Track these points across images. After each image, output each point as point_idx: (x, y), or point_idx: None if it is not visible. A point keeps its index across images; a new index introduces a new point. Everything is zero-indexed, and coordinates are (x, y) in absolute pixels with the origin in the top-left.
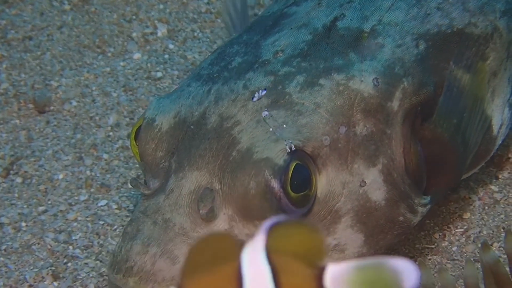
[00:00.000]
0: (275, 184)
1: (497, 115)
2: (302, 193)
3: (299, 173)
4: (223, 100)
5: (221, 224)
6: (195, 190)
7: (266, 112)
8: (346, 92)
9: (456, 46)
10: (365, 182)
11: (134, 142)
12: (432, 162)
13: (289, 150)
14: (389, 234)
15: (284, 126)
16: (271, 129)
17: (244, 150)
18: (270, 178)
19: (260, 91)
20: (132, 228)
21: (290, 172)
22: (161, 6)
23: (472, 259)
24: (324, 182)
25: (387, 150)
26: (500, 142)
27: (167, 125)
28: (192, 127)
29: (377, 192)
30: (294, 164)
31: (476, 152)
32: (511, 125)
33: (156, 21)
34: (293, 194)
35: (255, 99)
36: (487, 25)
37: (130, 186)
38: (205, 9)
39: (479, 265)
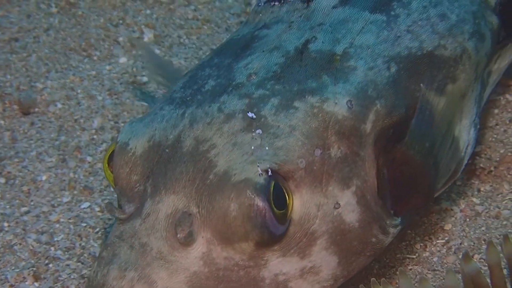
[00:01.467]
0: (259, 202)
1: (464, 136)
2: (282, 211)
3: (278, 193)
4: (198, 123)
5: (199, 247)
6: (172, 213)
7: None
8: (320, 115)
9: (426, 68)
10: (339, 204)
11: (107, 167)
12: (403, 184)
13: (266, 172)
14: (361, 256)
15: (261, 148)
16: (247, 152)
17: (222, 173)
18: (253, 196)
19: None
20: (108, 253)
21: (271, 190)
22: (148, 12)
23: (453, 269)
24: (299, 204)
25: (360, 172)
26: (466, 162)
27: (141, 149)
28: (167, 150)
29: (351, 214)
30: (273, 183)
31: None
32: (475, 145)
33: (143, 26)
34: (277, 211)
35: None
36: (456, 47)
37: (105, 210)
38: (192, 15)
39: (459, 275)
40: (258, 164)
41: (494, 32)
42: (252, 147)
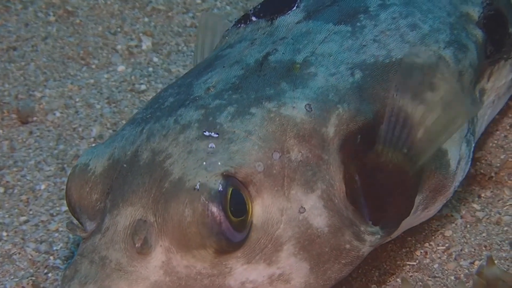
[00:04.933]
0: (214, 208)
1: (454, 150)
2: (240, 218)
3: (236, 199)
4: (154, 136)
5: (158, 256)
6: (129, 225)
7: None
8: (278, 119)
9: (397, 76)
10: (304, 208)
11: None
12: (377, 192)
13: (222, 177)
14: (336, 263)
15: (215, 154)
16: (202, 158)
17: (176, 180)
18: (207, 202)
19: (210, 133)
20: (70, 271)
21: (228, 197)
22: (146, 19)
23: (453, 276)
24: (260, 209)
25: (325, 176)
26: (460, 178)
27: (101, 168)
28: (125, 165)
29: (318, 218)
30: (230, 189)
31: (433, 187)
32: (470, 162)
33: (141, 34)
34: (234, 218)
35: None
36: (430, 55)
37: (67, 229)
38: (190, 23)
39: (467, 284)
40: (212, 168)
41: (479, 45)
42: (207, 153)
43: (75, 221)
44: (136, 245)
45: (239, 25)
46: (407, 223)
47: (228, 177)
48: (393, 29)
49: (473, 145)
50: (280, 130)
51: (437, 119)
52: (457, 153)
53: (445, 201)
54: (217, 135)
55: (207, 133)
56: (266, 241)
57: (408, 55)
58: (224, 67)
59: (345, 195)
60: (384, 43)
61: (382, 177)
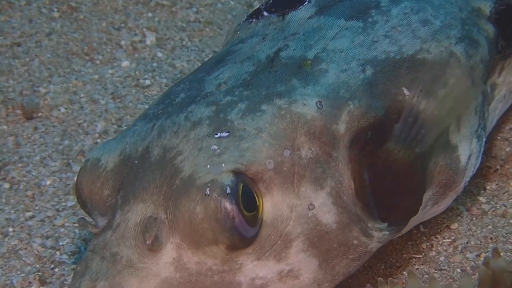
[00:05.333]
0: (227, 204)
1: (464, 146)
2: (252, 214)
3: (247, 195)
4: (165, 133)
5: (169, 253)
6: (140, 221)
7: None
8: (288, 116)
9: (408, 71)
10: (314, 205)
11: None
12: (386, 189)
13: (233, 174)
14: (344, 259)
15: (226, 151)
16: (212, 155)
17: (187, 177)
18: (220, 198)
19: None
20: (81, 267)
21: (240, 192)
22: (150, 15)
23: (459, 269)
24: (270, 206)
25: (334, 173)
26: (471, 173)
27: (112, 163)
28: (136, 162)
29: (327, 215)
30: (241, 186)
31: (443, 183)
32: (481, 157)
33: (144, 29)
34: (247, 213)
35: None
36: (441, 51)
37: (78, 225)
38: (193, 18)
39: (474, 276)
40: (223, 165)
41: (491, 40)
42: (217, 151)
43: (87, 218)
44: (147, 242)
45: (251, 20)
46: (416, 219)
47: (238, 174)
48: (404, 25)
49: (484, 140)
50: (290, 127)
51: (446, 114)
52: (467, 148)
53: (455, 197)
54: (227, 133)
55: (218, 132)
56: (276, 237)
57: (419, 52)
58: (235, 62)
59: (353, 192)
60: (396, 39)
61: (391, 175)
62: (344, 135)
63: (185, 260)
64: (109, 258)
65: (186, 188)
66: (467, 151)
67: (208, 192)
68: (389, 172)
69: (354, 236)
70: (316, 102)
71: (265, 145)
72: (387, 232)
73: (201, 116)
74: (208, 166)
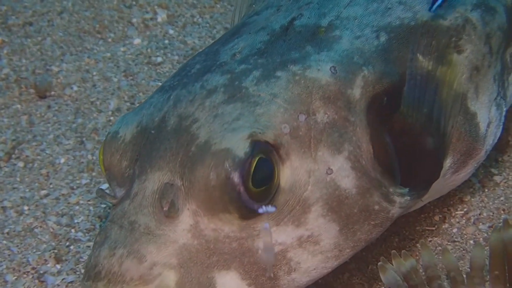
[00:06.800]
0: (235, 178)
1: (483, 113)
2: (264, 187)
3: (262, 168)
4: (181, 102)
5: (186, 220)
6: (158, 189)
7: (230, 113)
8: (303, 81)
9: (422, 38)
10: (332, 169)
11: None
12: (406, 153)
13: (248, 142)
14: (365, 225)
15: (241, 117)
16: (228, 122)
17: (203, 144)
18: (229, 169)
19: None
20: (100, 237)
21: (253, 167)
22: None
23: (472, 240)
24: (289, 172)
25: (352, 137)
26: (491, 142)
27: (130, 135)
28: (153, 132)
29: (346, 179)
30: (257, 158)
31: (463, 150)
32: (502, 126)
33: (155, 7)
34: (255, 189)
35: None
36: (456, 17)
37: (96, 195)
38: None
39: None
40: (238, 131)
41: (509, 8)
42: (233, 117)
43: (104, 188)
44: (164, 209)
45: None
46: (438, 188)
47: (256, 143)
48: None
49: (505, 109)
50: (305, 92)
51: (462, 80)
52: (486, 116)
53: (476, 165)
54: (242, 99)
55: (233, 98)
56: (294, 202)
57: (434, 18)
58: (250, 33)
59: (372, 156)
60: (410, 6)
61: (408, 139)
62: (360, 100)
63: (202, 226)
64: (127, 226)
65: (201, 154)
66: (486, 118)
67: (221, 159)
68: (406, 135)
69: (375, 201)
70: (330, 67)
71: (280, 110)
72: (409, 197)
73: (216, 84)
74: (223, 132)
